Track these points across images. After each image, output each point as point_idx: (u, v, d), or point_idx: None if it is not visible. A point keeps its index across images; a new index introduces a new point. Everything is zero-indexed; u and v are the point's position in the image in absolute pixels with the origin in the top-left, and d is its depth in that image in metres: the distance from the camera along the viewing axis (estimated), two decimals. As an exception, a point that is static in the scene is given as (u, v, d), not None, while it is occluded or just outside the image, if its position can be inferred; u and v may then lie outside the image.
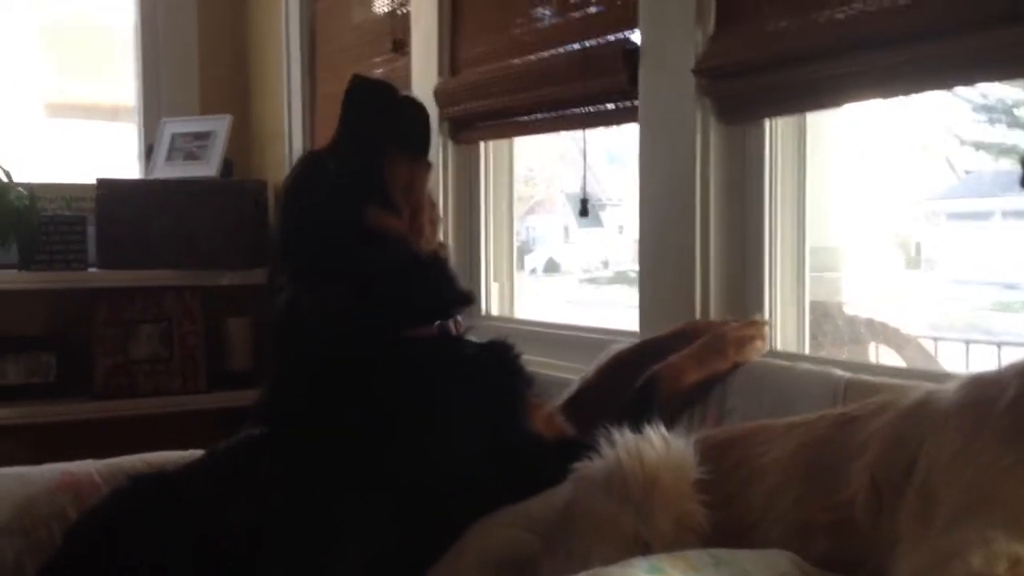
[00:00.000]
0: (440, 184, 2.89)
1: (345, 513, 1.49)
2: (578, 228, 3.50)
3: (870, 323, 2.09)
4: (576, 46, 2.35)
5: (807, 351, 1.96)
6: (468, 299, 1.77)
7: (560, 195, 3.52)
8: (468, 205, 2.95)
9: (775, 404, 1.60)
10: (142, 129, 4.07)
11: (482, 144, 2.91)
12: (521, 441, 1.63)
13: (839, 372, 1.60)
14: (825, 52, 1.71)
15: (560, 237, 3.62)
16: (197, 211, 3.45)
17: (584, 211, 2.34)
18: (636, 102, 2.14)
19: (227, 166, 3.69)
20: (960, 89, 1.82)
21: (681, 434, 1.34)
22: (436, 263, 1.73)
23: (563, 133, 2.72)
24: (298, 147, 3.75)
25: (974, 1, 1.49)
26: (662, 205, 2.09)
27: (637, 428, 1.32)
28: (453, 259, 2.82)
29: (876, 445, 1.16)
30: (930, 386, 1.22)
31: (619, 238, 3.33)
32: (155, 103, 4.04)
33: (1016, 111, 2.00)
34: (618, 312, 2.80)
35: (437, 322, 1.69)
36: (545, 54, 2.49)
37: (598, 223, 3.35)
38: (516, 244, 2.97)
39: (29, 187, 3.30)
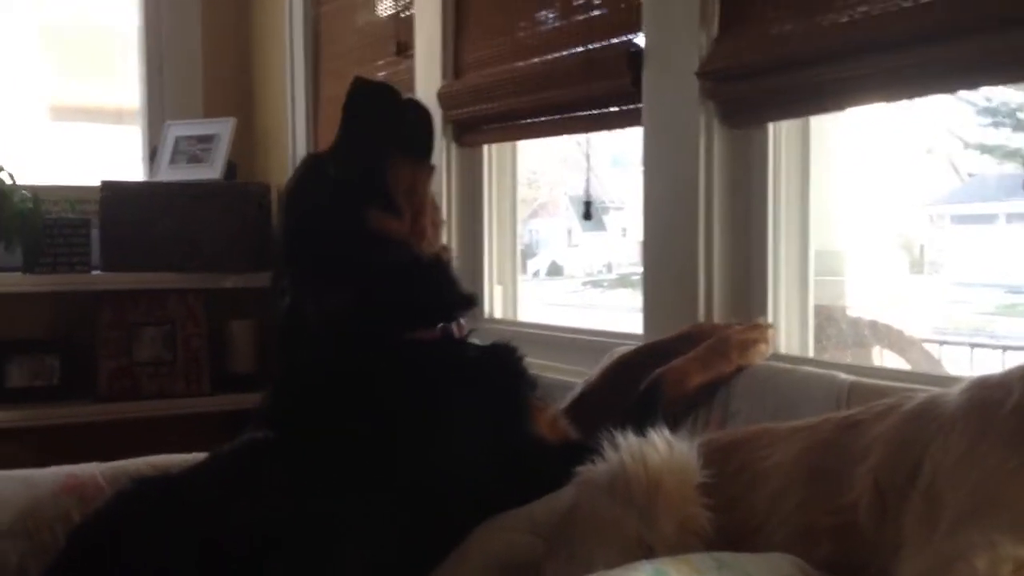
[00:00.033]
0: (443, 187, 2.89)
1: (349, 516, 1.49)
2: (581, 231, 3.50)
3: (874, 326, 2.08)
4: (580, 49, 2.35)
5: (811, 354, 1.96)
6: (470, 302, 1.77)
7: (563, 198, 3.53)
8: (471, 208, 2.95)
9: (779, 407, 1.60)
10: (146, 132, 4.08)
11: (485, 147, 2.91)
12: (524, 444, 1.63)
13: (843, 375, 1.60)
14: (829, 55, 1.71)
15: (563, 240, 3.62)
16: (201, 214, 3.45)
17: (588, 214, 2.34)
18: (640, 105, 2.14)
19: (231, 169, 3.69)
20: (964, 92, 1.81)
21: (685, 437, 1.34)
22: (438, 266, 1.73)
23: (566, 136, 2.72)
24: (301, 150, 3.76)
25: (978, 4, 1.49)
26: (666, 208, 2.09)
27: (641, 431, 1.32)
28: (456, 262, 2.84)
29: (880, 448, 1.16)
30: (934, 389, 1.22)
31: (622, 241, 3.33)
32: (159, 106, 4.05)
33: (1020, 114, 2.00)
34: (621, 315, 2.80)
35: (440, 325, 1.69)
36: (549, 57, 2.49)
37: (601, 226, 3.36)
38: (519, 247, 2.97)
39: (33, 190, 3.30)
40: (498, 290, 2.94)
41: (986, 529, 0.97)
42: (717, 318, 1.98)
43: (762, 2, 1.87)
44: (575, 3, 2.41)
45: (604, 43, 2.28)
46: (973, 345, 2.16)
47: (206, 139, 3.71)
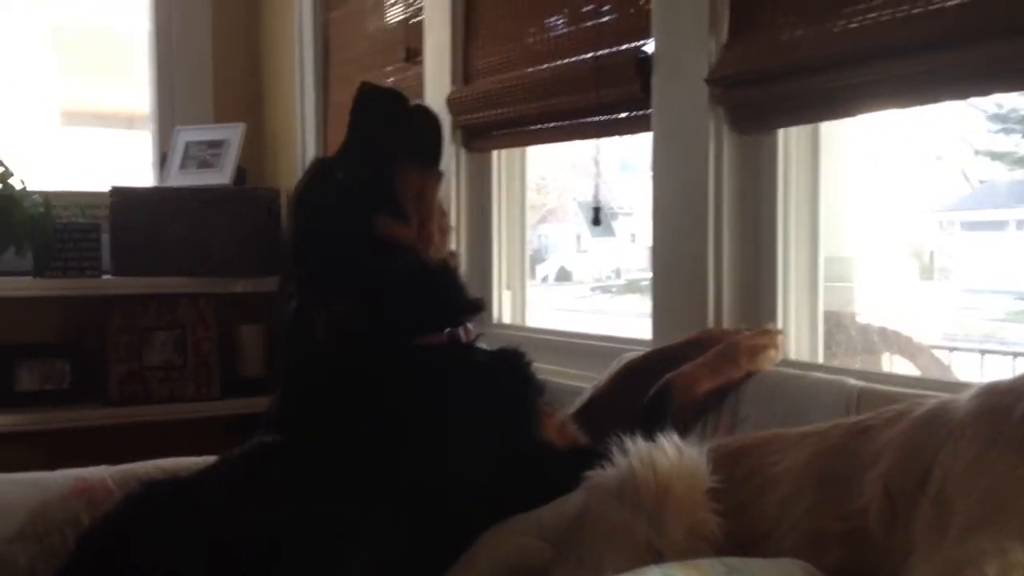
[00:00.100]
0: (453, 192, 2.89)
1: (357, 520, 1.49)
2: (590, 237, 3.50)
3: (883, 332, 2.08)
4: (589, 55, 2.35)
5: (820, 360, 1.96)
6: (477, 307, 1.77)
7: (572, 204, 3.53)
8: (480, 213, 2.95)
9: (788, 413, 1.60)
10: (156, 137, 4.09)
11: (495, 153, 2.91)
12: (532, 449, 1.63)
13: (852, 381, 1.59)
14: (839, 61, 1.71)
15: (572, 246, 3.62)
16: (210, 219, 3.46)
17: (596, 220, 2.34)
18: (649, 111, 2.14)
19: (240, 174, 3.70)
20: (975, 99, 1.81)
21: (694, 443, 1.34)
22: (445, 271, 1.74)
23: (575, 142, 2.72)
24: (311, 155, 3.76)
25: (989, 11, 1.48)
26: (675, 214, 2.09)
27: (650, 437, 1.32)
28: (464, 267, 2.84)
29: (890, 454, 1.16)
30: (944, 396, 1.22)
31: (631, 247, 3.33)
32: (169, 111, 4.06)
33: (1031, 121, 2.00)
34: (630, 321, 2.80)
35: (447, 330, 1.70)
36: (558, 63, 2.49)
37: (610, 232, 3.35)
38: (528, 252, 2.98)
39: (44, 195, 3.31)
40: (507, 295, 2.94)
41: (996, 535, 0.97)
42: (726, 324, 1.98)
43: (772, 8, 1.88)
44: (584, 9, 2.42)
45: (613, 49, 2.29)
46: (983, 351, 2.16)
47: (216, 144, 3.72)
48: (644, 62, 2.13)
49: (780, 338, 1.83)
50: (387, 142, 1.73)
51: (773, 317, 1.95)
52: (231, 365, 3.59)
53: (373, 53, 3.45)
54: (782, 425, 1.48)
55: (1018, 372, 1.15)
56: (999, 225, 2.23)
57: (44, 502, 1.70)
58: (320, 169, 1.80)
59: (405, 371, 1.64)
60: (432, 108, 1.86)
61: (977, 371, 2.13)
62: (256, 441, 1.65)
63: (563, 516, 1.41)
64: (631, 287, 3.31)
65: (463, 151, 2.93)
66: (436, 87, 2.95)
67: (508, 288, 2.94)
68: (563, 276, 3.59)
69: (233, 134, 3.70)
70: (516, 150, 2.90)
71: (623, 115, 2.28)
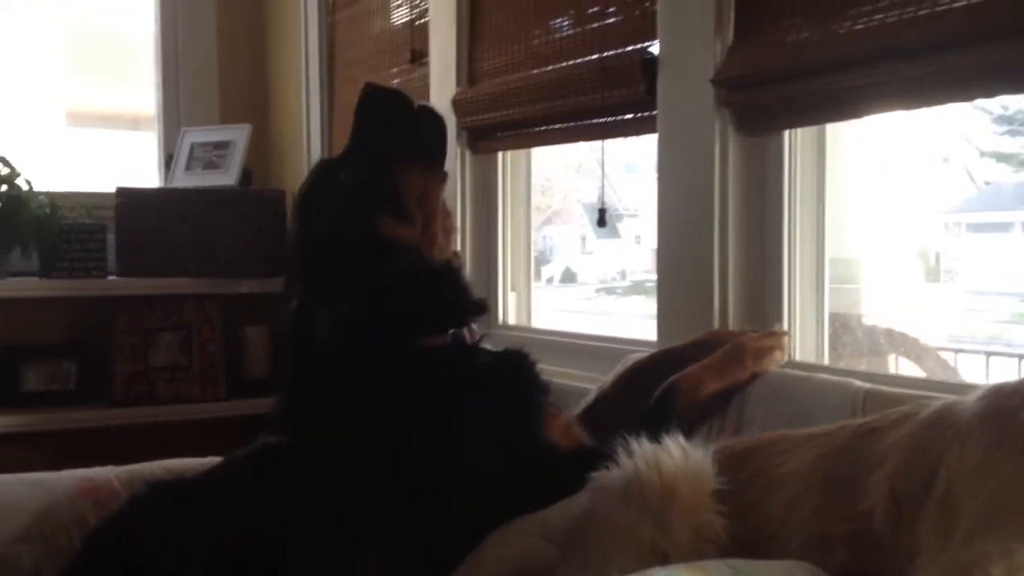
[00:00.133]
0: (457, 194, 2.90)
1: (362, 521, 1.49)
2: (595, 238, 3.50)
3: (889, 334, 2.08)
4: (594, 57, 2.35)
5: (826, 362, 1.96)
6: (481, 308, 1.77)
7: (577, 205, 3.53)
8: (485, 215, 2.95)
9: (794, 415, 1.60)
10: (162, 138, 4.10)
11: (500, 154, 2.91)
12: (537, 450, 1.63)
13: (858, 383, 1.59)
14: (845, 63, 1.71)
15: (577, 247, 3.62)
16: (216, 220, 3.47)
17: (602, 221, 2.33)
18: (654, 112, 2.14)
19: (246, 175, 3.71)
20: (980, 100, 1.81)
21: (699, 444, 1.34)
22: (449, 272, 1.74)
23: (580, 143, 2.72)
24: (316, 156, 3.77)
25: (995, 13, 1.48)
26: (681, 215, 2.09)
27: (655, 438, 1.32)
28: (469, 269, 2.85)
29: (896, 456, 1.16)
30: (950, 397, 1.22)
31: (636, 248, 3.33)
32: (175, 112, 4.07)
33: (1037, 123, 2.00)
34: (635, 322, 2.80)
35: (451, 331, 1.70)
36: (563, 65, 2.49)
37: (615, 233, 3.36)
38: (533, 254, 2.98)
39: (50, 195, 3.32)
40: (512, 297, 2.94)
41: (1002, 538, 0.97)
42: (732, 325, 1.98)
43: (777, 10, 1.87)
44: (590, 11, 2.42)
45: (619, 51, 2.29)
46: (989, 353, 2.16)
47: (222, 145, 3.72)
48: (649, 63, 2.13)
49: (786, 339, 1.83)
50: (391, 143, 1.74)
51: (779, 318, 1.95)
52: (237, 366, 3.60)
53: (378, 54, 3.46)
54: (788, 427, 1.48)
55: (1024, 374, 1.15)
56: (1005, 227, 2.23)
57: (50, 502, 1.71)
58: (324, 170, 1.80)
59: (409, 372, 1.64)
60: (436, 109, 1.86)
61: (983, 373, 2.13)
62: (261, 442, 1.65)
63: (568, 517, 1.41)
64: (636, 288, 3.30)
65: (468, 152, 2.93)
66: (441, 88, 2.95)
67: (513, 289, 2.94)
68: (568, 277, 3.59)
69: (239, 135, 3.71)
70: (521, 151, 2.90)
71: (628, 116, 2.28)
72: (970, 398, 1.15)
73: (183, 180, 3.70)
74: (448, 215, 1.79)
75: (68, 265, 3.33)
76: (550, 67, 2.55)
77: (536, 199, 3.02)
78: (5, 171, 3.25)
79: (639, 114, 2.23)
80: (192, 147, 3.76)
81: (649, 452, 1.29)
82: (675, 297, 2.11)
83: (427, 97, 2.96)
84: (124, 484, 1.77)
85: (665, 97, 2.11)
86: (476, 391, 1.67)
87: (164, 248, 3.43)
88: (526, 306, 2.93)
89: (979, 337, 2.19)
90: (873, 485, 1.15)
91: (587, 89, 2.35)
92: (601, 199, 2.32)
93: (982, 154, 2.10)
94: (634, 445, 1.31)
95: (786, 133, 1.96)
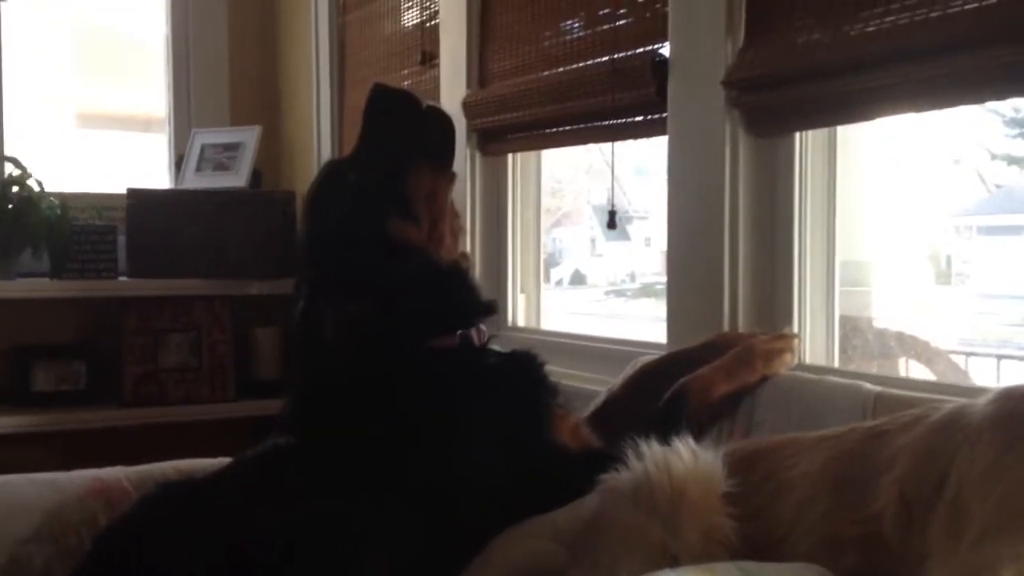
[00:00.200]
0: (467, 195, 2.90)
1: (370, 522, 1.49)
2: (605, 240, 3.50)
3: (900, 337, 2.07)
4: (605, 58, 2.35)
5: (836, 365, 1.95)
6: (489, 308, 1.77)
7: (587, 207, 3.53)
8: (495, 217, 2.95)
9: (804, 417, 1.60)
10: (172, 139, 4.11)
11: (510, 156, 2.91)
12: (545, 451, 1.63)
13: (868, 386, 1.59)
14: (856, 65, 1.70)
15: (587, 249, 3.62)
16: (226, 221, 3.47)
17: (611, 223, 2.33)
18: (665, 114, 2.14)
19: (256, 177, 3.72)
20: (992, 103, 1.80)
21: (709, 446, 1.34)
22: (457, 273, 1.74)
23: (590, 145, 2.72)
24: (326, 158, 3.77)
25: (1007, 15, 1.48)
26: (691, 217, 2.09)
27: (665, 440, 1.32)
28: (478, 270, 2.85)
29: (906, 459, 1.15)
30: (961, 400, 1.21)
31: (646, 250, 3.33)
32: (185, 114, 4.08)
33: (1048, 125, 1.99)
34: (644, 325, 2.80)
35: (459, 332, 1.70)
36: (574, 66, 2.49)
37: (625, 236, 3.35)
38: (543, 256, 2.98)
39: (61, 197, 3.33)
40: (521, 299, 2.94)
41: (1013, 540, 0.97)
42: (742, 328, 1.98)
43: (788, 11, 1.87)
44: (600, 12, 2.42)
45: (629, 52, 2.28)
46: (1000, 356, 2.15)
47: (232, 147, 3.73)
48: (660, 65, 2.13)
49: (796, 342, 1.83)
50: (399, 143, 1.74)
51: (789, 321, 1.95)
52: (246, 367, 3.60)
53: (389, 56, 3.46)
54: (798, 429, 1.47)
55: (1035, 377, 1.14)
56: (1016, 230, 2.22)
57: (60, 503, 1.71)
58: (333, 170, 1.80)
59: (417, 373, 1.64)
60: (444, 109, 1.86)
61: (994, 376, 2.12)
62: (270, 443, 1.65)
63: (578, 519, 1.40)
64: (646, 291, 3.30)
65: (478, 154, 2.93)
66: (452, 90, 2.95)
67: (523, 291, 2.94)
68: (578, 280, 3.59)
69: (249, 137, 3.71)
70: (531, 153, 2.90)
71: (639, 118, 2.27)
72: (981, 401, 1.14)
73: (193, 181, 3.71)
74: (457, 216, 1.79)
75: (79, 266, 3.35)
76: (560, 69, 2.55)
77: (546, 201, 3.02)
78: (16, 172, 3.27)
79: (649, 116, 2.23)
80: (202, 148, 3.77)
81: (659, 454, 1.29)
82: (685, 299, 2.11)
83: (437, 99, 2.96)
84: (134, 484, 1.77)
85: (676, 99, 2.11)
86: (485, 392, 1.67)
87: (174, 249, 3.44)
88: (535, 308, 2.93)
89: (990, 340, 2.18)
90: (883, 488, 1.15)
91: (597, 91, 2.35)
92: (611, 201, 2.32)
93: (993, 157, 2.10)
94: (644, 447, 1.31)
95: (797, 135, 1.95)
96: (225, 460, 1.75)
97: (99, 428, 3.29)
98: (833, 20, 1.76)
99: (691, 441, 1.32)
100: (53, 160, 3.82)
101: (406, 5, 3.37)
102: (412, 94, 1.80)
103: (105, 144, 4.23)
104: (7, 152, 3.56)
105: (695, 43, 2.05)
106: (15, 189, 3.25)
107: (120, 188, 3.54)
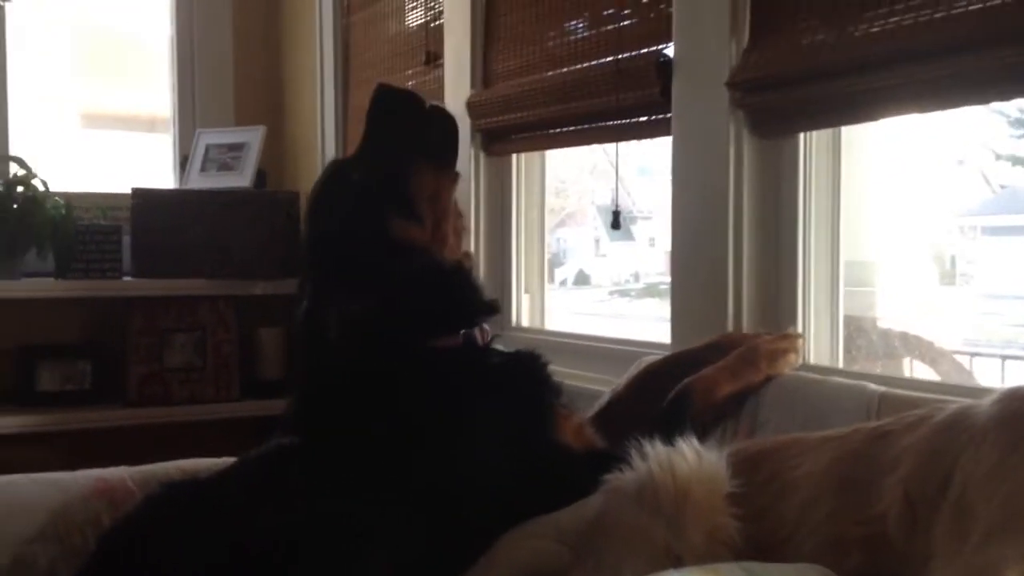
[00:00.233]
0: (472, 196, 2.90)
1: (374, 522, 1.49)
2: (609, 241, 3.50)
3: (904, 337, 2.07)
4: (609, 59, 2.35)
5: (841, 365, 1.95)
6: (492, 308, 1.77)
7: (591, 207, 3.53)
8: (499, 217, 2.96)
9: (808, 417, 1.60)
10: (177, 140, 4.12)
11: (514, 156, 2.91)
12: (549, 451, 1.63)
13: (873, 386, 1.59)
14: (861, 65, 1.70)
15: (591, 249, 3.62)
16: (231, 221, 3.48)
17: (615, 223, 2.33)
18: (669, 115, 2.14)
19: (260, 177, 3.72)
20: (997, 103, 1.80)
21: (713, 447, 1.34)
22: (459, 273, 1.74)
23: (595, 145, 2.72)
24: (331, 158, 3.77)
25: (1012, 15, 1.48)
26: (695, 218, 2.09)
27: (669, 440, 1.32)
28: (482, 271, 2.85)
29: (910, 459, 1.15)
30: (965, 401, 1.21)
31: (650, 251, 3.32)
32: (190, 114, 4.09)
33: (1053, 126, 1.99)
34: (649, 325, 2.80)
35: (462, 331, 1.70)
36: (578, 67, 2.49)
37: (629, 236, 3.35)
38: (547, 256, 2.98)
39: (65, 197, 3.34)
40: (525, 299, 2.94)
41: (1018, 541, 0.97)
42: (746, 328, 1.98)
43: (793, 12, 1.87)
44: (605, 13, 2.42)
45: (634, 53, 2.28)
46: (1004, 357, 2.14)
47: (236, 147, 3.73)
48: (664, 66, 2.13)
49: (800, 342, 1.83)
50: (402, 143, 1.74)
51: (793, 321, 1.95)
52: (251, 367, 3.61)
53: (393, 57, 3.46)
54: (802, 430, 1.47)
55: (1040, 377, 1.14)
56: (1021, 230, 2.22)
57: (65, 502, 1.71)
58: (336, 170, 1.80)
59: (421, 373, 1.64)
60: (447, 109, 1.86)
61: (998, 376, 2.12)
62: (274, 443, 1.65)
63: (581, 519, 1.41)
64: (650, 291, 3.30)
65: (482, 155, 2.93)
66: (456, 91, 2.96)
67: (527, 291, 2.94)
68: (582, 280, 3.59)
69: (253, 137, 3.72)
70: (535, 153, 2.91)
71: (643, 119, 2.27)
72: (985, 402, 1.14)
73: (198, 181, 3.72)
74: (460, 215, 1.79)
75: (83, 266, 3.35)
76: (565, 69, 2.55)
77: (550, 201, 3.02)
78: (21, 172, 3.27)
79: (654, 116, 2.23)
80: (207, 149, 3.77)
81: (663, 455, 1.29)
82: (689, 299, 2.11)
83: (442, 99, 2.96)
84: (138, 484, 1.77)
85: (680, 99, 2.11)
86: (488, 392, 1.67)
87: (179, 249, 3.44)
88: (540, 308, 2.93)
89: (995, 340, 2.18)
90: (887, 488, 1.15)
91: (602, 91, 2.35)
92: (615, 201, 2.32)
93: (998, 157, 2.10)
94: (648, 447, 1.31)
95: (801, 136, 1.95)
96: (229, 460, 1.75)
97: (104, 428, 3.30)
98: (837, 21, 1.76)
99: (695, 441, 1.32)
100: (58, 160, 3.83)
101: (410, 5, 3.37)
102: (415, 94, 1.80)
103: (110, 144, 4.24)
104: (12, 152, 3.56)
105: (699, 44, 2.05)
106: (20, 189, 3.25)
107: (125, 188, 3.55)
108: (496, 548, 1.48)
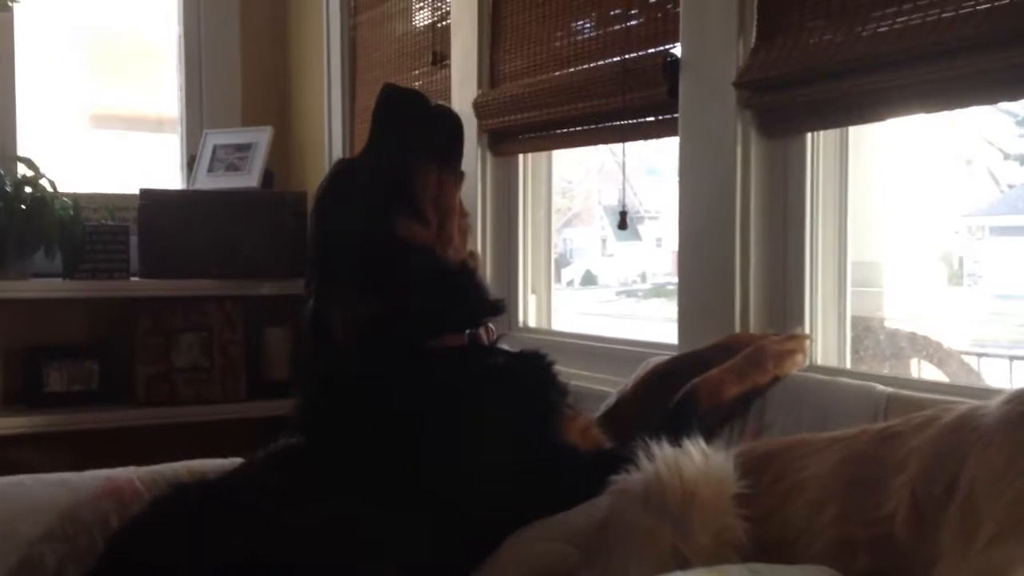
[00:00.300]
0: (478, 196, 2.90)
1: (380, 523, 1.49)
2: (616, 241, 3.50)
3: (912, 338, 2.07)
4: (616, 59, 2.35)
5: (848, 365, 1.95)
6: (497, 308, 1.77)
7: (598, 207, 3.53)
8: (506, 217, 2.96)
9: (815, 418, 1.59)
10: (184, 140, 4.12)
11: (520, 156, 2.91)
12: (555, 452, 1.62)
13: (880, 387, 1.59)
14: (868, 66, 1.70)
15: (598, 250, 3.62)
16: (238, 222, 3.48)
17: (622, 224, 2.33)
18: (676, 115, 2.14)
19: (267, 177, 3.72)
20: (1004, 103, 1.80)
21: (720, 448, 1.34)
22: (464, 272, 1.74)
23: (601, 145, 2.72)
24: (338, 158, 3.78)
25: (1019, 15, 1.47)
26: (702, 218, 2.09)
27: (676, 441, 1.32)
28: (489, 271, 2.85)
29: (918, 461, 1.15)
30: (973, 402, 1.21)
31: (657, 251, 3.32)
32: (197, 114, 4.09)
33: (1061, 126, 1.98)
34: (655, 325, 2.80)
35: (467, 331, 1.70)
36: (585, 67, 2.49)
37: (636, 236, 3.35)
38: (553, 256, 2.98)
39: (73, 197, 3.34)
40: (532, 299, 2.94)
41: (1025, 543, 0.96)
42: (753, 328, 1.98)
43: (800, 12, 1.87)
44: (612, 13, 2.42)
45: (641, 53, 2.28)
46: (1012, 357, 2.14)
47: (244, 148, 3.74)
48: (671, 66, 2.13)
49: (807, 343, 1.83)
50: (408, 143, 1.74)
51: (800, 322, 1.95)
52: (257, 367, 3.61)
53: (400, 57, 3.47)
54: (809, 430, 1.47)
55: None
56: (1028, 230, 2.22)
57: (73, 503, 1.72)
58: (341, 170, 1.80)
59: (426, 373, 1.64)
60: (453, 109, 1.86)
61: (1006, 377, 2.11)
62: (281, 443, 1.66)
63: (588, 521, 1.41)
64: (657, 291, 3.30)
65: (489, 155, 2.93)
66: (463, 91, 2.96)
67: (533, 292, 2.94)
68: (588, 280, 3.59)
69: (261, 137, 3.72)
70: (542, 154, 2.90)
71: (650, 119, 2.27)
72: (993, 403, 1.14)
73: (205, 182, 3.72)
74: (465, 215, 1.79)
75: (91, 266, 3.35)
76: (572, 69, 2.55)
77: (557, 201, 3.03)
78: (29, 173, 3.28)
79: (661, 116, 2.23)
80: (214, 149, 3.78)
81: (670, 455, 1.29)
82: (696, 300, 2.11)
83: (449, 99, 2.96)
84: (146, 484, 1.77)
85: (687, 99, 2.10)
86: (494, 392, 1.66)
87: (186, 250, 3.45)
88: (546, 308, 2.93)
89: (1002, 341, 2.18)
90: (895, 490, 1.15)
91: (609, 91, 2.35)
92: (622, 201, 2.32)
93: (1005, 157, 2.09)
94: (655, 448, 1.31)
95: (808, 136, 1.95)
96: (237, 460, 1.76)
97: (111, 428, 3.30)
98: (844, 21, 1.76)
99: (702, 442, 1.32)
100: (66, 160, 3.83)
101: (417, 6, 3.37)
102: (421, 94, 1.81)
103: (117, 145, 4.24)
104: (20, 152, 3.57)
105: (706, 44, 2.05)
106: (28, 189, 3.26)
107: (132, 188, 3.55)
108: (503, 549, 1.48)
